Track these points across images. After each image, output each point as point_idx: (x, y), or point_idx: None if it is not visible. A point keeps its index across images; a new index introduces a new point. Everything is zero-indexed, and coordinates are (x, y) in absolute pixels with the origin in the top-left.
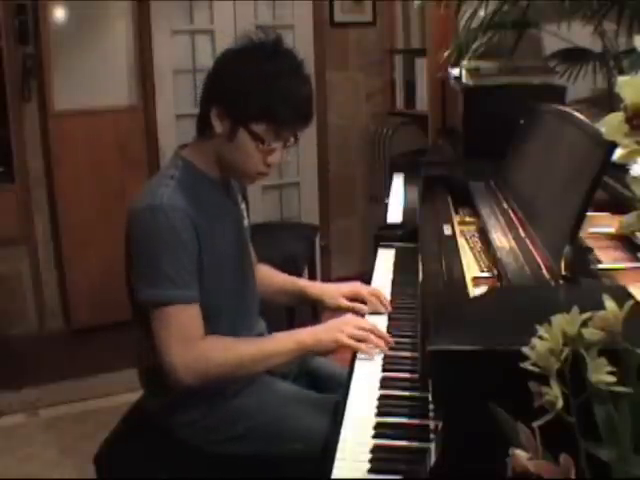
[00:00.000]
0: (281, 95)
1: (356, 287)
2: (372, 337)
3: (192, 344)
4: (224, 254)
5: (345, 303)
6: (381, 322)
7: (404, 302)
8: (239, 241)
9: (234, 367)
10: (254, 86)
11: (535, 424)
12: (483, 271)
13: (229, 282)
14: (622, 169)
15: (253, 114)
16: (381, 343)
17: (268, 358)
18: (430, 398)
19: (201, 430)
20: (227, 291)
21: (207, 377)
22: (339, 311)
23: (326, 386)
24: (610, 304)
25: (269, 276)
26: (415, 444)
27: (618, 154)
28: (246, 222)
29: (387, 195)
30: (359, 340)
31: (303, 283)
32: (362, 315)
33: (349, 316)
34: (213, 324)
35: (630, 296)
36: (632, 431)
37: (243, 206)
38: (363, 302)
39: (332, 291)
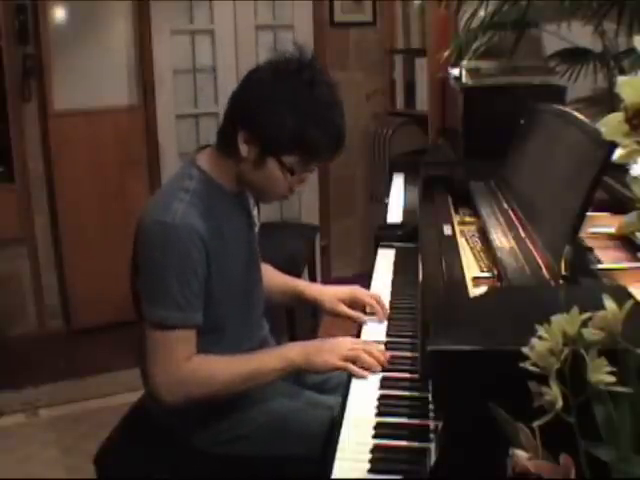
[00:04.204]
0: (317, 127)
1: (355, 291)
2: (364, 356)
3: (177, 367)
4: (234, 268)
5: (344, 310)
6: (381, 323)
7: (404, 302)
8: (249, 252)
9: (221, 386)
10: (289, 116)
11: (535, 424)
12: (483, 271)
13: (236, 294)
14: (622, 169)
15: (286, 146)
16: (374, 362)
17: (256, 377)
18: (430, 398)
19: (201, 431)
20: (233, 302)
21: (192, 398)
22: (338, 317)
23: (326, 386)
24: (610, 304)
25: (269, 276)
26: (415, 444)
27: (618, 154)
28: (257, 228)
29: (387, 195)
30: (351, 361)
31: (302, 285)
32: (361, 324)
33: (342, 339)
34: (217, 334)
35: (630, 296)
36: (632, 431)
37: (255, 212)
38: (363, 307)
39: (331, 295)
